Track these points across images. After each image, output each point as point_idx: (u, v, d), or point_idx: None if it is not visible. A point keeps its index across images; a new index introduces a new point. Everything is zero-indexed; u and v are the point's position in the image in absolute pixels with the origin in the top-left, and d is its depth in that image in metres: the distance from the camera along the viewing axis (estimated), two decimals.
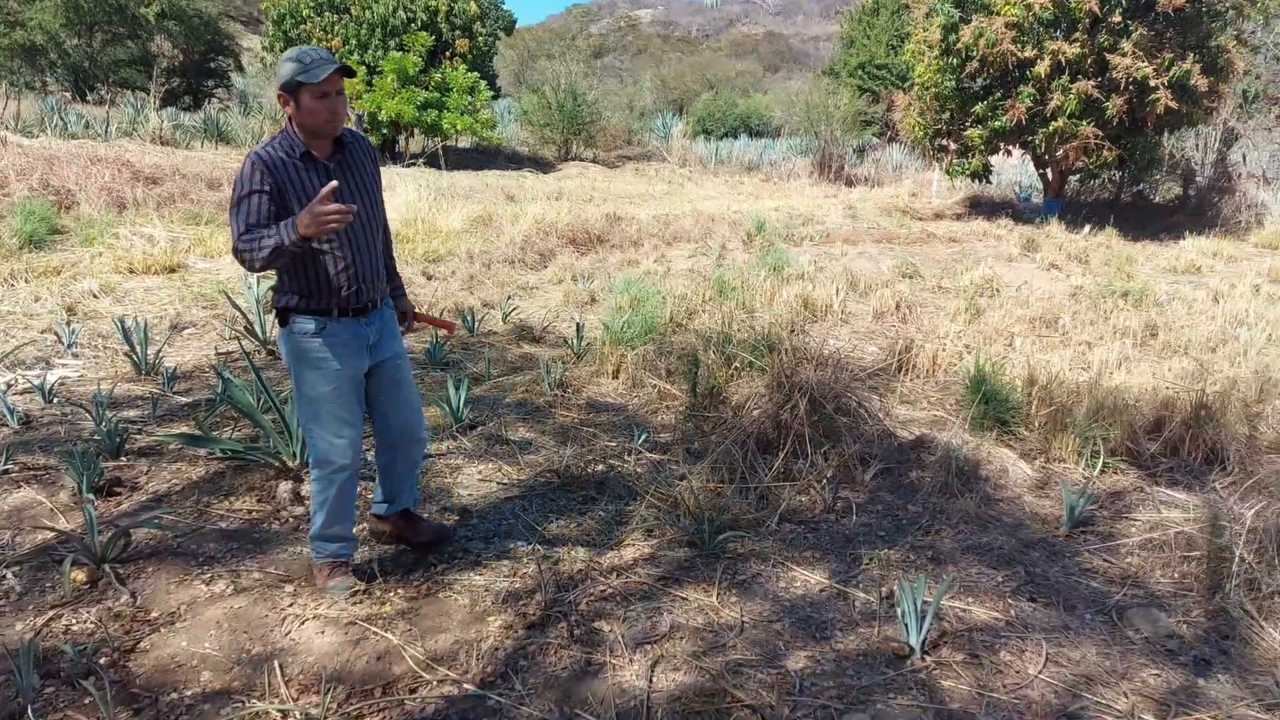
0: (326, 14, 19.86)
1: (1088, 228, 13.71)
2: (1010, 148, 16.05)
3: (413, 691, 2.61)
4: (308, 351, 2.88)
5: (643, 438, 4.54)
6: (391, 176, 13.72)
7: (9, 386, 5.07)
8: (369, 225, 2.98)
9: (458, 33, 21.06)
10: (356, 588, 3.08)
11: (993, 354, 6.15)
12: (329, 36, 19.56)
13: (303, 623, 2.91)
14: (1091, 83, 13.54)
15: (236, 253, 2.67)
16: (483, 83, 20.44)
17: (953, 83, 14.98)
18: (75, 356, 5.75)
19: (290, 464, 3.99)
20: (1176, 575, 3.46)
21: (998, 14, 13.95)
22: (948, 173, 16.77)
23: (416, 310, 3.43)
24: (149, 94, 20.43)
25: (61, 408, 4.81)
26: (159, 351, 5.71)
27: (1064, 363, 6.07)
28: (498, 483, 4.11)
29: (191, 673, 2.65)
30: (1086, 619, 3.12)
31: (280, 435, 4.04)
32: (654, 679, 2.69)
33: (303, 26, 19.83)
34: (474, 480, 4.13)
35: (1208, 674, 2.82)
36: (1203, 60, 13.33)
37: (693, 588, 3.24)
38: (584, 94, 25.65)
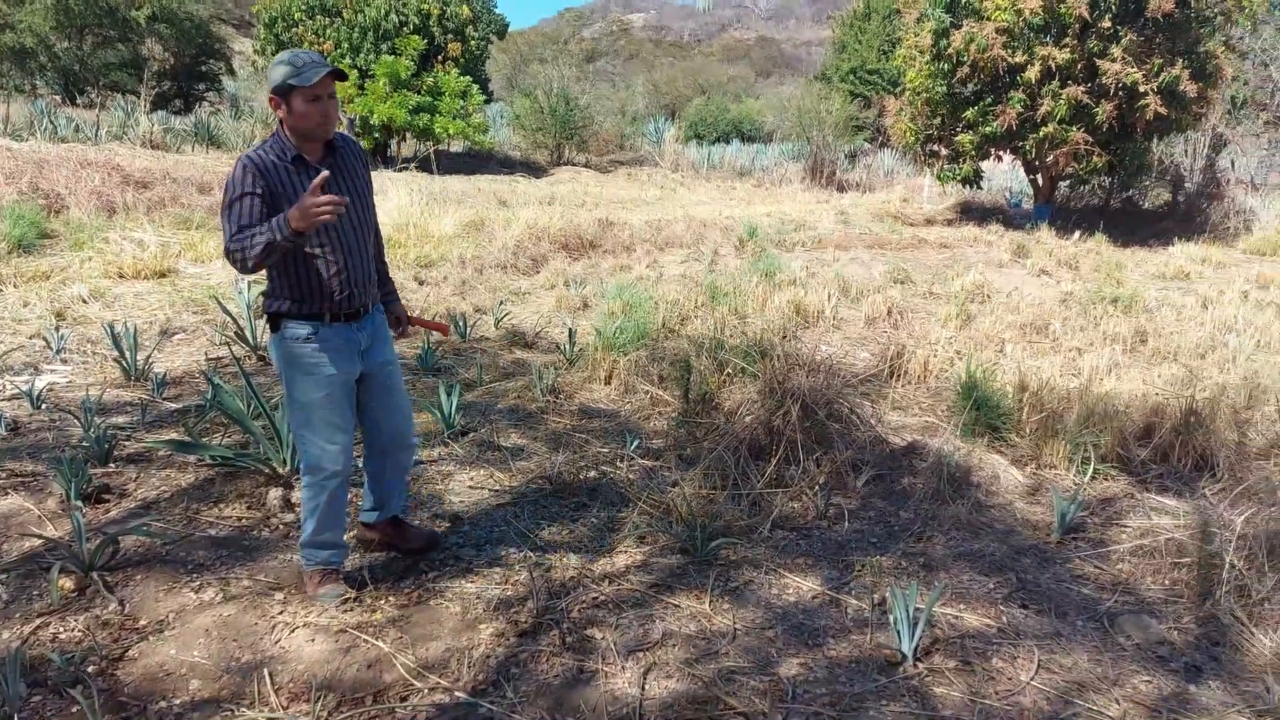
0: (318, 17, 19.82)
1: (1078, 233, 13.79)
2: (1001, 153, 16.15)
3: (404, 700, 2.60)
4: (300, 357, 2.87)
5: (635, 444, 4.54)
6: (383, 181, 13.70)
7: None
8: (360, 229, 2.98)
9: (450, 36, 21.05)
10: (347, 595, 3.07)
11: (984, 360, 6.17)
12: (321, 40, 19.52)
13: (293, 630, 2.89)
14: (1081, 88, 13.63)
15: (228, 253, 2.66)
16: (475, 87, 20.41)
17: (944, 88, 15.06)
18: (64, 362, 5.71)
19: (280, 470, 3.97)
20: (1167, 582, 3.47)
21: (988, 19, 14.03)
22: (939, 178, 16.85)
23: (410, 314, 3.43)
24: (139, 97, 20.35)
25: (50, 414, 4.77)
26: (148, 357, 5.68)
27: (1054, 369, 6.09)
28: (489, 489, 4.10)
29: (180, 681, 2.64)
30: (1078, 626, 3.13)
31: (270, 442, 4.02)
32: (646, 686, 2.68)
33: (294, 30, 19.78)
34: (465, 487, 4.12)
35: (1199, 680, 2.83)
36: (1191, 66, 13.43)
37: (685, 595, 3.23)
38: (576, 98, 25.66)
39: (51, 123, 16.06)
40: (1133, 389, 5.70)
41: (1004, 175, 21.64)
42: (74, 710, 2.45)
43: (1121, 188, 18.00)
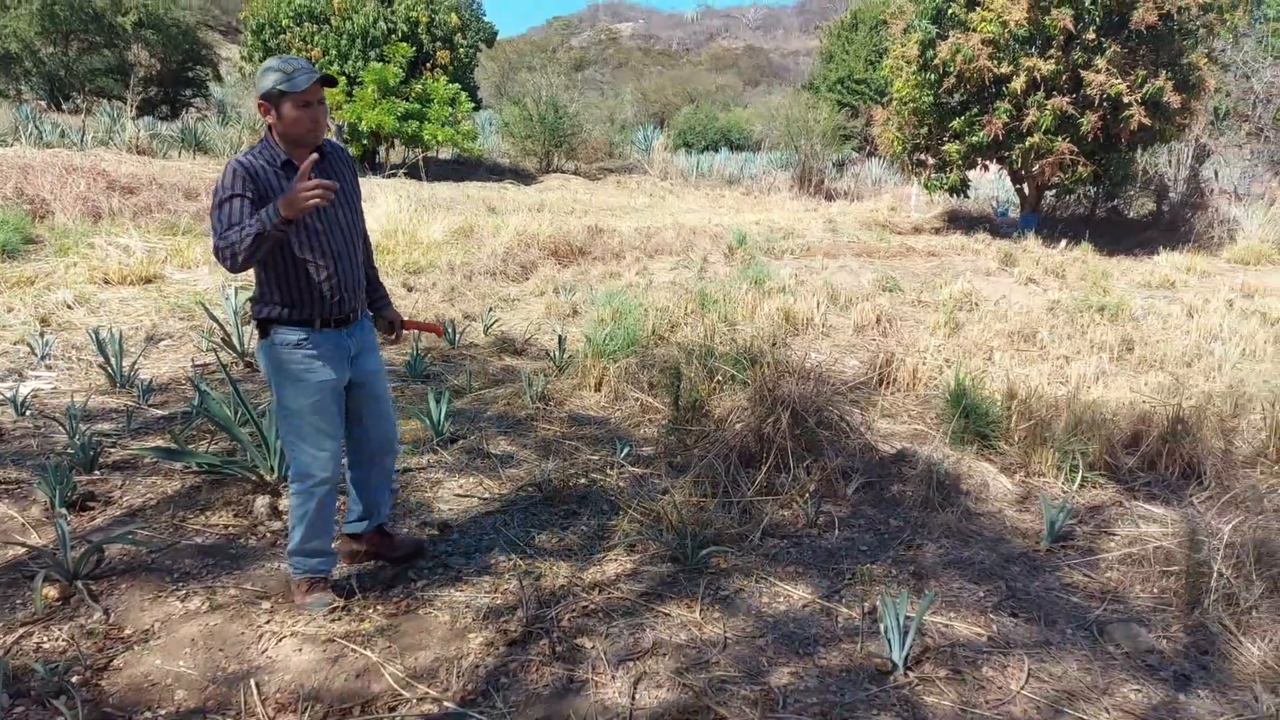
0: (306, 24, 19.77)
1: (1064, 242, 13.88)
2: (987, 163, 16.25)
3: (392, 710, 2.58)
4: (289, 363, 2.86)
5: (625, 451, 4.53)
6: (372, 187, 13.66)
7: None
8: (349, 235, 2.97)
9: (439, 44, 21.04)
10: (335, 604, 3.04)
11: (972, 368, 6.20)
12: (309, 47, 19.46)
13: (280, 640, 2.86)
14: (1066, 99, 13.74)
15: (218, 250, 2.64)
16: (464, 94, 20.40)
17: (930, 98, 15.15)
18: (49, 368, 5.66)
19: (268, 478, 3.94)
20: (1156, 590, 3.48)
21: (974, 30, 14.13)
22: (926, 187, 16.94)
23: (403, 318, 3.44)
24: (125, 103, 20.22)
25: (34, 420, 4.73)
26: (134, 363, 5.63)
27: (1042, 377, 6.12)
28: (478, 497, 4.08)
29: (166, 691, 2.61)
30: (1067, 634, 3.14)
31: (258, 449, 3.99)
32: (637, 696, 2.67)
33: (282, 37, 19.72)
34: (454, 494, 4.10)
35: (1187, 689, 2.84)
36: (1175, 77, 13.55)
37: (675, 603, 3.22)
38: (565, 106, 25.69)
39: (37, 128, 15.95)
40: (1120, 397, 5.73)
41: (990, 184, 21.77)
42: None
43: (1107, 197, 18.13)
